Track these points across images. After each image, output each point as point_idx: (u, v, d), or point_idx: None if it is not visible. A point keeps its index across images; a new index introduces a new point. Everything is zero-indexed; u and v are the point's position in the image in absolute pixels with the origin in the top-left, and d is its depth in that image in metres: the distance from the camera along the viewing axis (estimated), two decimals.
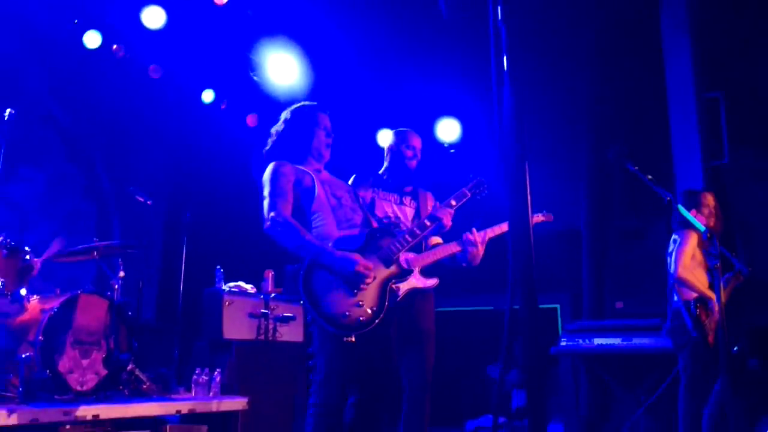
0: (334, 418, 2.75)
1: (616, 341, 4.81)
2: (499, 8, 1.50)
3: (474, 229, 3.28)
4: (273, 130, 3.22)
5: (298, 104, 3.24)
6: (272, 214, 2.85)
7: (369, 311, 2.74)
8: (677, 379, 3.94)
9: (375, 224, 3.12)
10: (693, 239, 3.95)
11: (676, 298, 3.96)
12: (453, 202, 3.26)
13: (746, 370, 4.47)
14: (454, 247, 3.30)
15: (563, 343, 5.06)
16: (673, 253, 3.98)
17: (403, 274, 2.93)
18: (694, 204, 4.03)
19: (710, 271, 3.93)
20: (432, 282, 3.24)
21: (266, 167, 3.04)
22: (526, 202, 1.48)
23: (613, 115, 6.15)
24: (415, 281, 3.11)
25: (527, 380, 1.50)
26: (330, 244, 2.86)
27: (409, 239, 2.97)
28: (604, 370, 5.15)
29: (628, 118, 6.09)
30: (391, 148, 3.76)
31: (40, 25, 5.70)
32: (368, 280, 2.75)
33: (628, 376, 5.04)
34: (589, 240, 5.95)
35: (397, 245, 2.93)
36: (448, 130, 7.15)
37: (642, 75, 6.15)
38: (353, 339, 2.71)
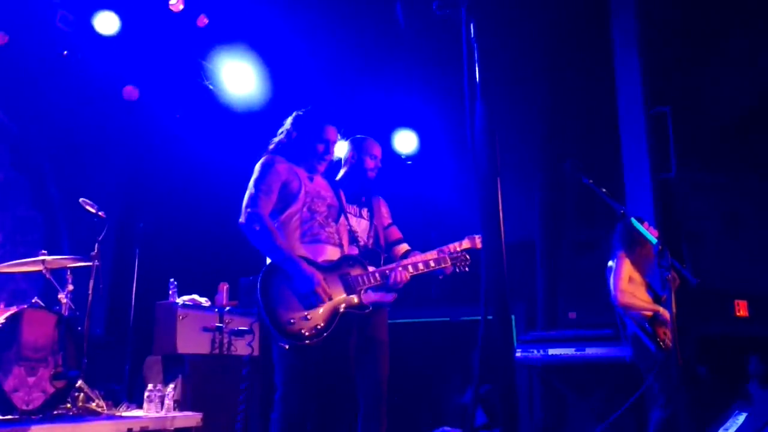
0: (294, 429, 2.76)
1: (569, 351, 4.90)
2: (471, 25, 1.52)
3: (458, 243, 3.35)
4: (280, 129, 3.21)
5: (309, 108, 3.22)
6: (249, 210, 2.86)
7: (314, 328, 2.76)
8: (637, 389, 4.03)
9: (349, 249, 3.15)
10: (626, 264, 4.07)
11: (627, 325, 4.07)
12: (431, 263, 3.21)
13: (696, 378, 4.60)
14: (443, 261, 3.27)
15: (518, 354, 5.12)
16: (611, 281, 4.09)
17: (360, 308, 2.94)
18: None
19: (650, 288, 4.07)
20: (390, 297, 3.26)
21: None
22: (498, 216, 1.51)
23: (566, 128, 6.28)
24: (375, 296, 3.13)
25: (502, 392, 1.52)
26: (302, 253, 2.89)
27: (378, 280, 3.01)
28: (559, 380, 5.24)
29: (581, 131, 6.22)
30: (350, 158, 3.65)
31: None
32: (321, 305, 2.78)
33: (582, 385, 5.13)
34: (543, 251, 6.05)
35: (365, 281, 2.96)
36: (406, 141, 7.18)
37: (594, 89, 6.30)
38: (287, 347, 2.76)
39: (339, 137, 3.16)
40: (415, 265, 3.10)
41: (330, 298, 2.81)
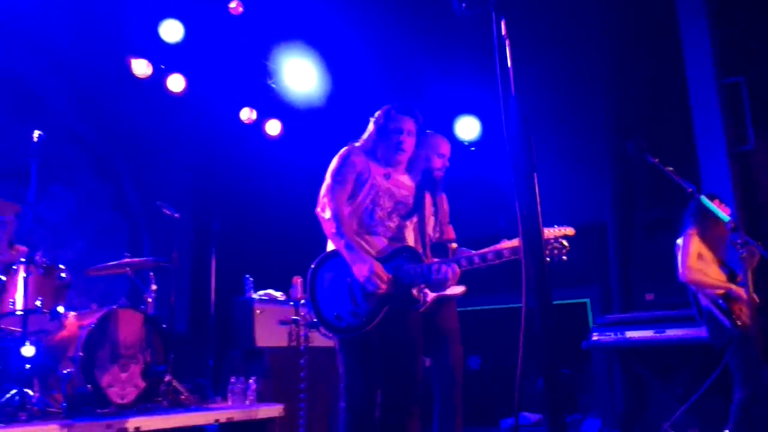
0: (362, 419, 2.82)
1: (648, 333, 4.78)
2: (502, 22, 1.53)
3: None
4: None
5: (390, 104, 3.20)
6: (324, 199, 2.95)
7: (359, 321, 2.80)
8: (723, 370, 3.93)
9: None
10: (695, 241, 3.96)
11: (701, 302, 3.97)
12: (489, 256, 2.96)
13: None
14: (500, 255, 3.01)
15: (595, 338, 5.04)
16: (678, 259, 3.99)
17: (409, 302, 2.91)
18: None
19: (724, 266, 3.94)
20: (460, 290, 3.27)
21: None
22: (536, 205, 1.52)
23: (633, 106, 6.11)
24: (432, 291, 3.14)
25: (547, 379, 1.53)
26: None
27: (426, 274, 2.88)
28: (638, 363, 5.13)
29: (649, 109, 6.04)
30: (416, 156, 3.41)
31: (64, 47, 5.80)
32: (375, 294, 2.78)
33: (663, 368, 5.01)
34: (615, 232, 5.92)
35: (415, 274, 2.87)
36: (468, 128, 7.15)
37: (661, 64, 6.10)
38: (330, 337, 2.87)
39: (415, 128, 3.11)
40: (469, 259, 2.95)
41: (384, 287, 2.79)
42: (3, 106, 5.72)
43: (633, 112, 6.10)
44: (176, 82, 6.44)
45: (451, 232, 3.72)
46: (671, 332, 4.73)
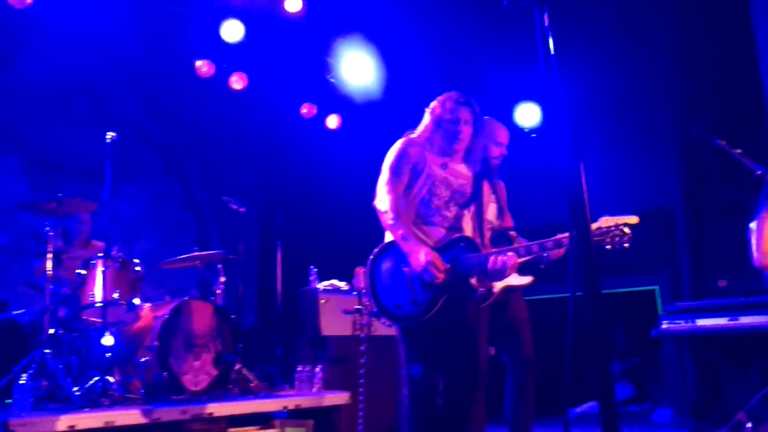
0: (424, 407, 2.84)
1: (721, 321, 4.62)
2: (545, 14, 1.53)
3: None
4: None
5: (446, 94, 3.16)
6: (382, 191, 2.98)
7: (416, 309, 2.81)
8: None
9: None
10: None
11: None
12: (548, 244, 2.88)
13: None
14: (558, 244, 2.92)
15: (664, 326, 4.90)
16: (752, 243, 3.83)
17: (466, 291, 2.89)
18: None
19: None
20: (527, 280, 3.26)
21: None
22: (582, 193, 1.51)
23: (701, 87, 5.89)
24: (511, 279, 3.13)
25: (598, 369, 1.51)
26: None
27: (483, 263, 2.84)
28: (711, 351, 4.97)
29: (718, 89, 5.81)
30: (473, 145, 3.33)
31: (132, 52, 6.05)
32: (432, 284, 2.78)
33: (737, 356, 4.84)
34: (685, 217, 5.73)
35: (472, 264, 2.85)
36: (528, 114, 7.05)
37: (730, 43, 5.85)
38: (389, 324, 2.91)
39: (472, 117, 3.07)
40: (527, 248, 2.88)
41: (441, 277, 2.79)
42: (79, 110, 6.02)
43: (701, 93, 5.88)
44: (238, 81, 6.62)
45: (509, 220, 3.70)
46: (745, 320, 4.55)
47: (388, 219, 2.91)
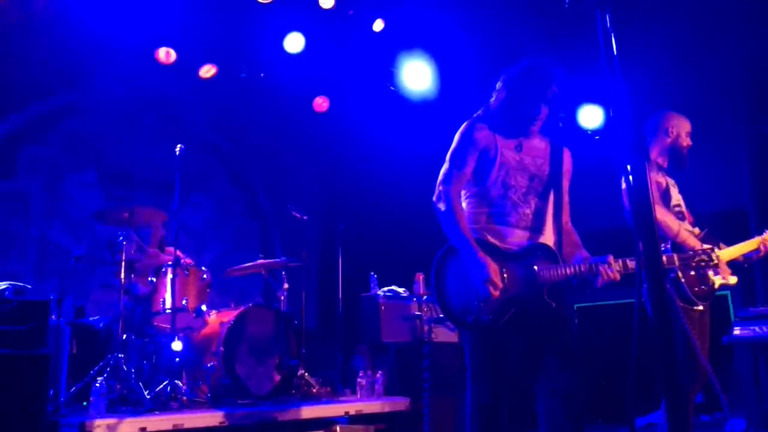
0: (488, 415, 2.62)
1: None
2: (607, 16, 1.51)
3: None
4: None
5: (522, 64, 2.79)
6: (440, 188, 2.71)
7: (486, 317, 2.59)
8: None
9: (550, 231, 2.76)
10: None
11: None
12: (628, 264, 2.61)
13: None
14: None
15: (737, 332, 4.70)
16: None
17: (540, 305, 2.62)
18: None
19: None
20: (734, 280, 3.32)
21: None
22: (648, 197, 1.49)
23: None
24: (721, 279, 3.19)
25: (666, 379, 1.47)
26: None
27: (567, 274, 2.60)
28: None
29: None
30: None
31: (196, 64, 6.29)
32: (492, 297, 2.54)
33: None
34: (758, 219, 5.49)
35: (551, 275, 2.59)
36: (591, 116, 6.92)
37: None
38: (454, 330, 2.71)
39: (557, 93, 2.69)
40: (625, 263, 2.61)
41: (504, 290, 2.55)
42: (150, 125, 6.30)
43: None
44: (322, 104, 6.72)
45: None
46: None
47: (447, 221, 2.65)
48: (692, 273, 3.24)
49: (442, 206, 2.68)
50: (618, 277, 2.61)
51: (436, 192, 2.72)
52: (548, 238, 2.73)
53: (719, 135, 5.80)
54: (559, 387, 2.61)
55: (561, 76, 2.73)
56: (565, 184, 2.84)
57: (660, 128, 3.55)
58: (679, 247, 3.24)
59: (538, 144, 2.79)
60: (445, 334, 5.22)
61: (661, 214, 3.25)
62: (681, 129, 3.54)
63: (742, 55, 5.82)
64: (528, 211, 2.69)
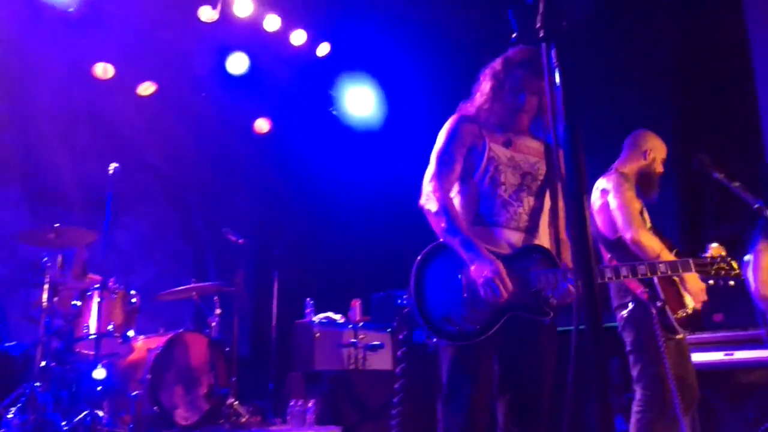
0: None
1: (717, 356, 4.57)
2: (552, 51, 1.55)
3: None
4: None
5: (504, 54, 2.57)
6: (430, 187, 2.47)
7: (472, 328, 2.30)
8: None
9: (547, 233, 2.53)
10: (765, 256, 3.79)
11: None
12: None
13: None
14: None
15: None
16: (749, 274, 3.81)
17: (536, 313, 2.35)
18: None
19: None
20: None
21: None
22: (585, 227, 1.52)
23: (700, 119, 5.91)
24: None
25: (598, 405, 1.49)
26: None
27: (564, 279, 2.35)
28: (706, 387, 4.89)
29: (717, 122, 5.83)
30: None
31: (134, 82, 6.16)
32: (493, 301, 2.27)
33: (732, 392, 4.77)
34: (684, 249, 5.71)
35: (548, 280, 2.33)
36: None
37: (729, 75, 5.88)
38: (434, 340, 2.36)
39: (539, 85, 2.45)
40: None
41: (505, 296, 2.27)
42: (82, 140, 6.10)
43: (700, 126, 5.90)
44: (262, 126, 6.67)
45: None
46: (741, 354, 4.50)
47: (440, 222, 2.39)
48: (674, 298, 3.21)
49: (432, 206, 2.43)
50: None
51: (424, 193, 2.49)
52: (544, 242, 2.51)
53: None
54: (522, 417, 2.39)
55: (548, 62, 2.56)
56: (562, 189, 2.50)
57: (638, 148, 3.52)
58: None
59: (531, 143, 2.58)
60: (380, 362, 5.21)
61: (646, 237, 3.20)
62: (658, 154, 3.53)
63: (672, 94, 6.09)
64: (521, 210, 2.47)
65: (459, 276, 2.34)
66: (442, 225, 2.39)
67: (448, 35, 6.46)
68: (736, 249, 5.30)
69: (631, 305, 3.26)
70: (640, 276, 2.53)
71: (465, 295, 2.32)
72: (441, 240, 2.43)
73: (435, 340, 2.40)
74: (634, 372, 3.28)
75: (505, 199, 2.44)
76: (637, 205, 3.38)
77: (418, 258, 2.41)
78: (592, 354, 1.36)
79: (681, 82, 6.14)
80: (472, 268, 2.29)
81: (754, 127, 5.53)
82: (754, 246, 3.94)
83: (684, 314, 3.24)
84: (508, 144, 2.51)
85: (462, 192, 2.51)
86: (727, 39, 5.94)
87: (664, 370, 3.13)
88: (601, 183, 3.43)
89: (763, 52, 5.63)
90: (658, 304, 3.14)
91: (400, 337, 4.91)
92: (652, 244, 3.20)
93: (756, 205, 3.33)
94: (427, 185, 2.48)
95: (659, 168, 3.53)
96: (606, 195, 3.35)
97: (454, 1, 6.26)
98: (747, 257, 3.95)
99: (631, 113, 6.23)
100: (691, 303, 3.30)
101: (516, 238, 2.44)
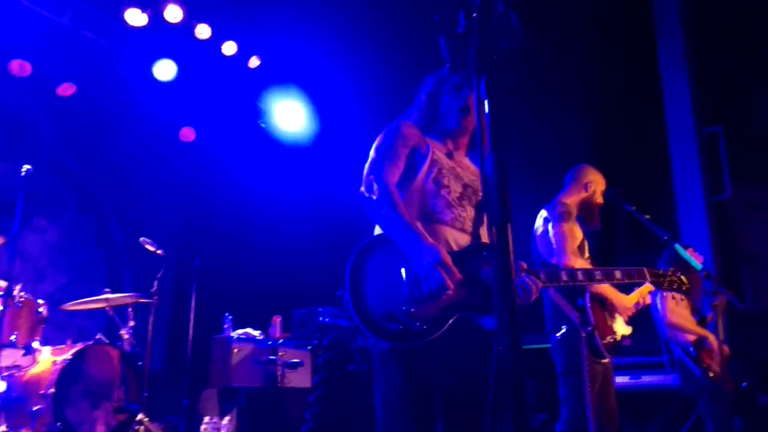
0: None
1: (624, 379, 4.78)
2: (481, 82, 1.60)
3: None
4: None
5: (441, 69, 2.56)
6: (370, 176, 2.34)
7: (419, 326, 2.10)
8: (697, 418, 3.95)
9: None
10: None
11: (673, 351, 4.04)
12: (563, 277, 2.39)
13: (757, 406, 4.43)
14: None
15: None
16: (657, 304, 4.05)
17: (488, 314, 2.19)
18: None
19: (696, 312, 4.02)
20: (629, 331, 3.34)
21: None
22: (508, 254, 1.56)
23: (613, 154, 6.21)
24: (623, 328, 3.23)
25: (515, 424, 1.52)
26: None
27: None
28: None
29: (629, 156, 6.14)
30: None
31: (55, 83, 5.91)
32: (439, 295, 2.11)
33: (638, 415, 4.99)
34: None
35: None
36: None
37: (641, 113, 6.23)
38: (372, 343, 2.14)
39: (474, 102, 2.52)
40: (556, 275, 2.35)
41: (452, 287, 2.10)
42: None
43: (613, 160, 6.20)
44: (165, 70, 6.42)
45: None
46: (647, 378, 4.73)
47: (380, 208, 2.25)
48: (604, 324, 3.33)
49: (373, 195, 2.29)
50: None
51: (366, 181, 2.35)
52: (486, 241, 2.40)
53: None
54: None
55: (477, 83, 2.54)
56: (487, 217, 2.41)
57: (579, 181, 3.69)
58: (594, 296, 3.34)
59: (469, 163, 2.55)
60: (299, 380, 5.14)
61: (579, 264, 3.32)
62: (598, 187, 3.70)
63: (587, 128, 6.37)
64: (464, 214, 2.38)
65: (405, 269, 2.17)
66: (383, 210, 2.24)
67: (381, 51, 6.54)
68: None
69: (564, 329, 3.39)
70: (563, 283, 2.48)
71: (409, 288, 2.15)
72: (381, 230, 2.30)
73: (373, 342, 2.16)
74: (563, 393, 3.41)
75: (449, 200, 2.36)
76: (579, 234, 3.55)
77: (355, 250, 2.23)
78: (511, 376, 1.40)
79: (597, 121, 6.44)
80: (414, 256, 2.13)
81: (665, 164, 5.87)
82: None
83: (612, 340, 3.36)
84: (449, 156, 2.47)
85: (404, 190, 2.37)
86: (640, 79, 6.30)
87: (588, 392, 3.25)
88: (544, 212, 3.58)
89: (674, 91, 5.99)
90: (588, 328, 3.25)
91: (319, 361, 4.88)
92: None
93: (664, 237, 3.53)
94: (369, 174, 2.36)
95: (599, 199, 3.70)
96: (547, 223, 3.50)
97: (386, 16, 6.35)
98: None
99: (548, 150, 6.47)
100: (620, 330, 3.43)
101: (462, 239, 2.34)
